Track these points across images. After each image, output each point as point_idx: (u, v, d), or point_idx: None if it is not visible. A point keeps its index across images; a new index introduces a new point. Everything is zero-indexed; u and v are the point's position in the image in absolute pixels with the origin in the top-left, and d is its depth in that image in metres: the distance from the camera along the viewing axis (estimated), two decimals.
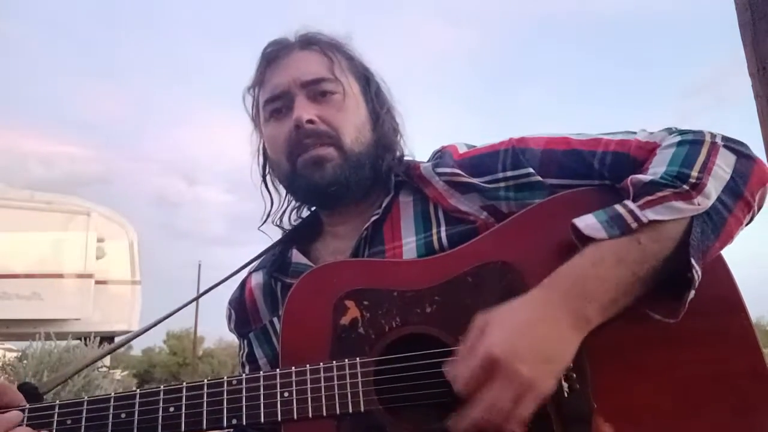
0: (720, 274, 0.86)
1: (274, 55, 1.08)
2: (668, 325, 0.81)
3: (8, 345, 9.73)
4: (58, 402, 0.86)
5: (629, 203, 0.82)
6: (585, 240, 0.81)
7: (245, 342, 1.13)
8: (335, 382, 0.83)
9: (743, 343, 0.83)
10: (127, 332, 9.50)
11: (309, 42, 1.09)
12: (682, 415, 0.80)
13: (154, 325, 1.14)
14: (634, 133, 0.94)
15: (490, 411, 0.72)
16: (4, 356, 7.32)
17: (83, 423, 0.84)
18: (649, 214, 0.79)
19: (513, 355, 0.72)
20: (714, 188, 0.81)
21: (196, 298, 1.20)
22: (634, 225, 0.79)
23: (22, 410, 0.85)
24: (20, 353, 6.87)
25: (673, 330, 0.81)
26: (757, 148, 0.87)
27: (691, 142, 0.86)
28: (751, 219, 0.87)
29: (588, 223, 0.81)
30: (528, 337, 0.75)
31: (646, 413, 0.80)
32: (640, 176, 0.84)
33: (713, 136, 0.87)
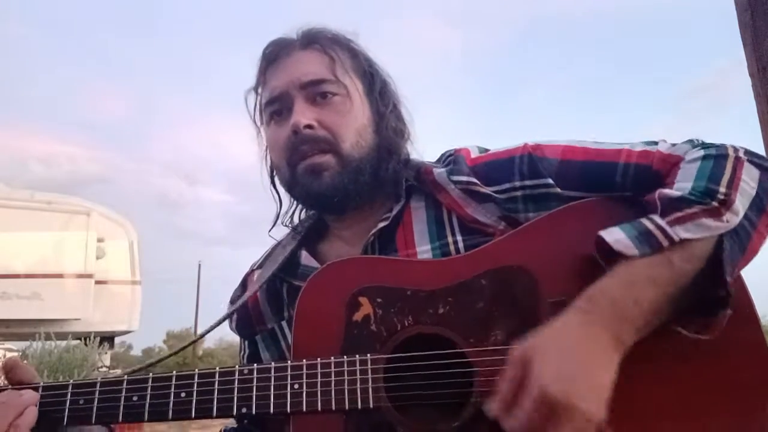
0: (734, 284, 0.83)
1: (274, 55, 1.03)
2: (674, 331, 0.81)
3: (8, 345, 9.71)
4: (71, 381, 0.86)
5: (657, 219, 0.80)
6: (613, 254, 0.79)
7: (247, 343, 1.12)
8: (345, 377, 0.83)
9: (753, 351, 0.82)
10: (127, 332, 9.53)
11: (310, 40, 1.04)
12: (687, 418, 0.80)
13: (208, 332, 1.09)
14: (656, 143, 0.92)
15: None
16: (4, 356, 7.31)
17: (96, 404, 0.84)
18: (681, 232, 0.78)
19: (570, 394, 0.68)
20: (741, 204, 0.80)
21: (224, 319, 1.10)
22: (665, 243, 0.78)
23: (37, 388, 0.85)
24: (20, 353, 6.87)
25: (680, 336, 0.81)
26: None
27: (716, 157, 0.84)
28: None
29: (617, 237, 0.79)
30: (577, 368, 0.71)
31: (651, 416, 0.80)
32: (669, 191, 0.81)
33: (736, 150, 0.85)
